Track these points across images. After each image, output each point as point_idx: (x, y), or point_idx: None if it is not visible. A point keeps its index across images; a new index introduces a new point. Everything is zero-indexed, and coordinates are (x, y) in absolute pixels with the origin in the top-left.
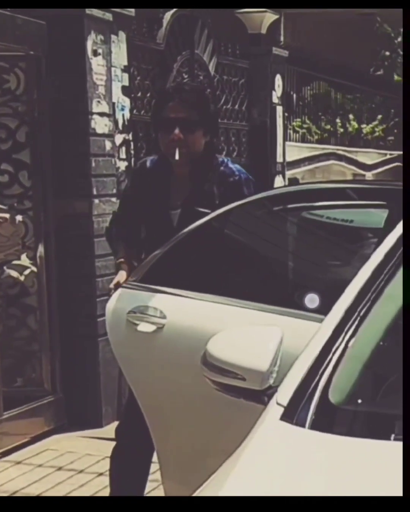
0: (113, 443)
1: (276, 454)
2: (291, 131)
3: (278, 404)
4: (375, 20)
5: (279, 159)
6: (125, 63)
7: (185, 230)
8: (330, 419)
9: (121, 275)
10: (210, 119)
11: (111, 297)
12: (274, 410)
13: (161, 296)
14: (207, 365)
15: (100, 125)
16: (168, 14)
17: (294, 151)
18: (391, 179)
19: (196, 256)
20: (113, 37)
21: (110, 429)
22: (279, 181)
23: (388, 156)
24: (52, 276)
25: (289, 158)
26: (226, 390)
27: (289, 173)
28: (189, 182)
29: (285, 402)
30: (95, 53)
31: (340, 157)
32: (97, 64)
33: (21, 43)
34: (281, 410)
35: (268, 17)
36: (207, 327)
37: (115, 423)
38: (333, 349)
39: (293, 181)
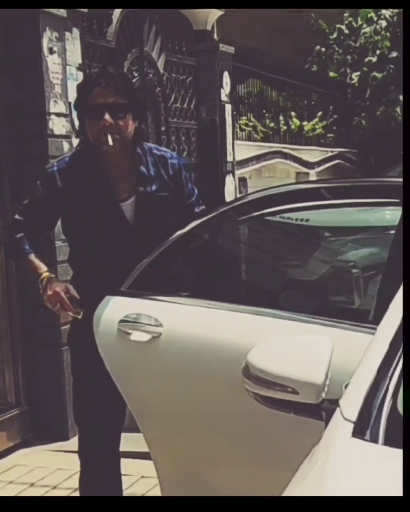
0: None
1: (361, 475)
2: (238, 130)
3: (346, 419)
4: (309, 17)
5: (229, 158)
6: (80, 61)
7: (175, 234)
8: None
9: (64, 288)
10: (137, 103)
11: (99, 305)
12: (342, 426)
13: (154, 303)
14: (250, 378)
15: (58, 126)
16: (117, 11)
17: (241, 150)
18: (337, 177)
19: (189, 261)
20: (67, 34)
21: (76, 441)
22: (229, 181)
23: (329, 153)
24: (12, 281)
25: (238, 157)
26: (274, 404)
27: (238, 173)
28: (129, 170)
29: (353, 417)
30: (51, 51)
31: (285, 155)
32: (53, 62)
33: None
34: (350, 425)
35: (214, 13)
36: (208, 334)
37: None
38: (395, 361)
39: (242, 181)
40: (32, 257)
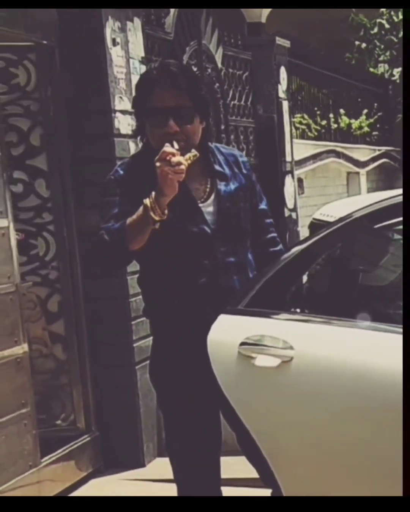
0: (160, 484)
1: None
2: (293, 128)
3: None
4: (336, 11)
5: (288, 157)
6: (143, 54)
7: (300, 246)
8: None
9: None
10: (204, 103)
11: (213, 327)
12: None
13: (280, 322)
14: None
15: (124, 124)
16: None
17: (298, 148)
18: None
19: (318, 275)
20: (129, 24)
21: (153, 468)
22: (288, 182)
23: (377, 152)
24: (79, 298)
25: (295, 156)
26: None
27: (295, 173)
28: (200, 171)
29: None
30: (114, 43)
31: (338, 154)
32: (117, 55)
33: (31, 31)
34: None
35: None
36: (348, 357)
37: (158, 461)
38: None
39: (299, 182)
40: (128, 220)
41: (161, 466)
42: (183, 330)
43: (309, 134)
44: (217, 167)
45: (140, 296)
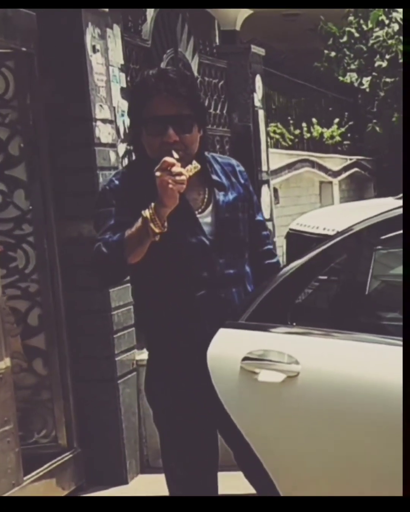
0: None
1: None
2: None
3: None
4: (304, 20)
5: (264, 167)
6: (122, 61)
7: (302, 259)
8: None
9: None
10: (202, 111)
11: (212, 341)
12: None
13: (283, 336)
14: None
15: (104, 133)
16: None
17: (273, 158)
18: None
19: (319, 287)
20: (108, 31)
21: (136, 485)
22: (265, 192)
23: (348, 162)
24: (60, 312)
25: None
26: None
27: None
28: (197, 180)
29: None
30: (94, 50)
31: (312, 164)
32: (97, 62)
33: (10, 37)
34: None
35: (243, 12)
36: (357, 371)
37: (141, 478)
38: None
39: (274, 192)
40: (126, 232)
41: (145, 483)
42: (181, 345)
43: (283, 143)
44: (214, 177)
45: (122, 309)
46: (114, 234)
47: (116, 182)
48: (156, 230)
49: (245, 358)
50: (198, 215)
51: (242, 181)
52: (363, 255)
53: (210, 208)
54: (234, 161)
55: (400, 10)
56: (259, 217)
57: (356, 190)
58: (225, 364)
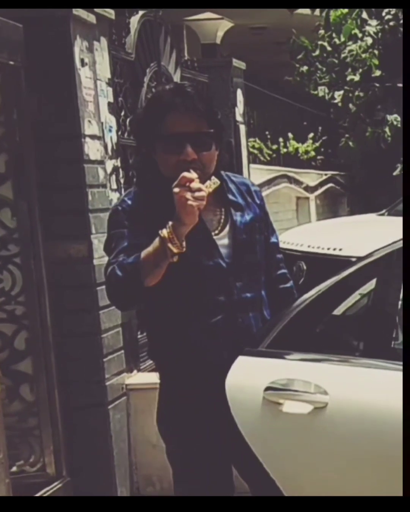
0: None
1: None
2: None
3: None
4: (270, 34)
5: None
6: (109, 75)
7: (324, 284)
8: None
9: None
10: (221, 128)
11: (231, 370)
12: None
13: (309, 365)
14: None
15: (93, 150)
16: (134, 19)
17: (254, 174)
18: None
19: (343, 314)
20: (95, 44)
21: None
22: None
23: (324, 177)
24: (48, 335)
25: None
26: None
27: None
28: (213, 200)
29: None
30: (82, 63)
31: (290, 180)
32: (85, 76)
33: None
34: None
35: (223, 25)
36: (391, 402)
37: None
38: None
39: None
40: (142, 253)
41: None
42: (196, 374)
43: (261, 158)
44: (230, 196)
45: (111, 332)
46: (128, 256)
47: (129, 202)
48: (175, 251)
49: (268, 388)
50: (215, 237)
51: (258, 201)
52: (390, 282)
53: (226, 229)
54: (248, 181)
55: (374, 23)
56: (273, 239)
57: (331, 205)
58: (245, 394)
